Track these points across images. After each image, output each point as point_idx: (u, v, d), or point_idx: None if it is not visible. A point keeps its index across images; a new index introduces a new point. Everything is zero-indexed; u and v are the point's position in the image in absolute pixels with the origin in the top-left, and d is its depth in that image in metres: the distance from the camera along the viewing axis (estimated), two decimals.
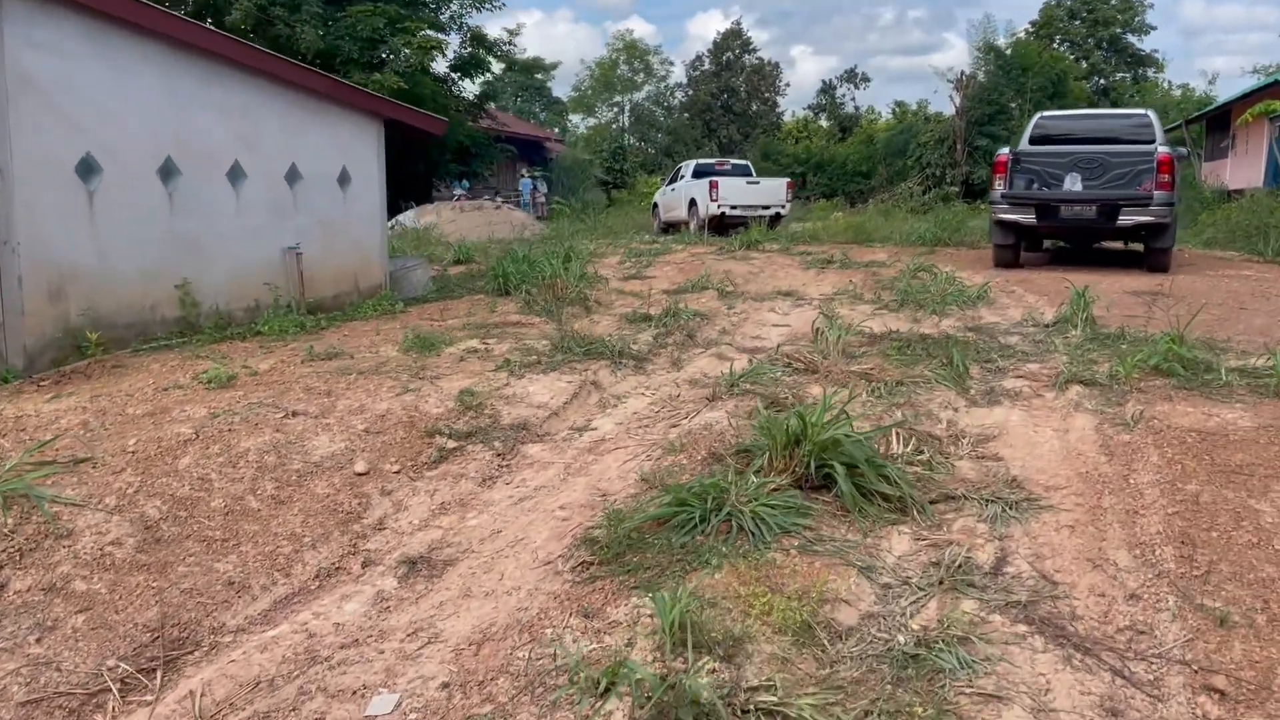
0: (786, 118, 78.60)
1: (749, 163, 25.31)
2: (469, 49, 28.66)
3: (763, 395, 5.05)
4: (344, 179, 9.41)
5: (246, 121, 8.21)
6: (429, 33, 26.74)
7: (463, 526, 3.88)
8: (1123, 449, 4.35)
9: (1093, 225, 11.50)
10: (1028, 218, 11.62)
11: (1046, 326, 7.62)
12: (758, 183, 22.47)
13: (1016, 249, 12.32)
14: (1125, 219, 11.10)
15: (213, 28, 7.54)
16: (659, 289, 10.82)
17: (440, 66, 28.81)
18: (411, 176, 26.57)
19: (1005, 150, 12.11)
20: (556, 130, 71.82)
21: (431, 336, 6.72)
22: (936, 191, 44.43)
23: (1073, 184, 12.33)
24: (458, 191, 26.61)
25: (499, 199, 27.56)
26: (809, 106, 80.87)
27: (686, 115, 76.63)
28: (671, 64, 79.42)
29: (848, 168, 55.82)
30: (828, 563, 3.30)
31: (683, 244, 18.56)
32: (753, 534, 3.45)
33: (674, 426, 4.91)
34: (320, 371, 5.74)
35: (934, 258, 13.87)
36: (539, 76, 71.06)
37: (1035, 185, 12.51)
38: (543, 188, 31.55)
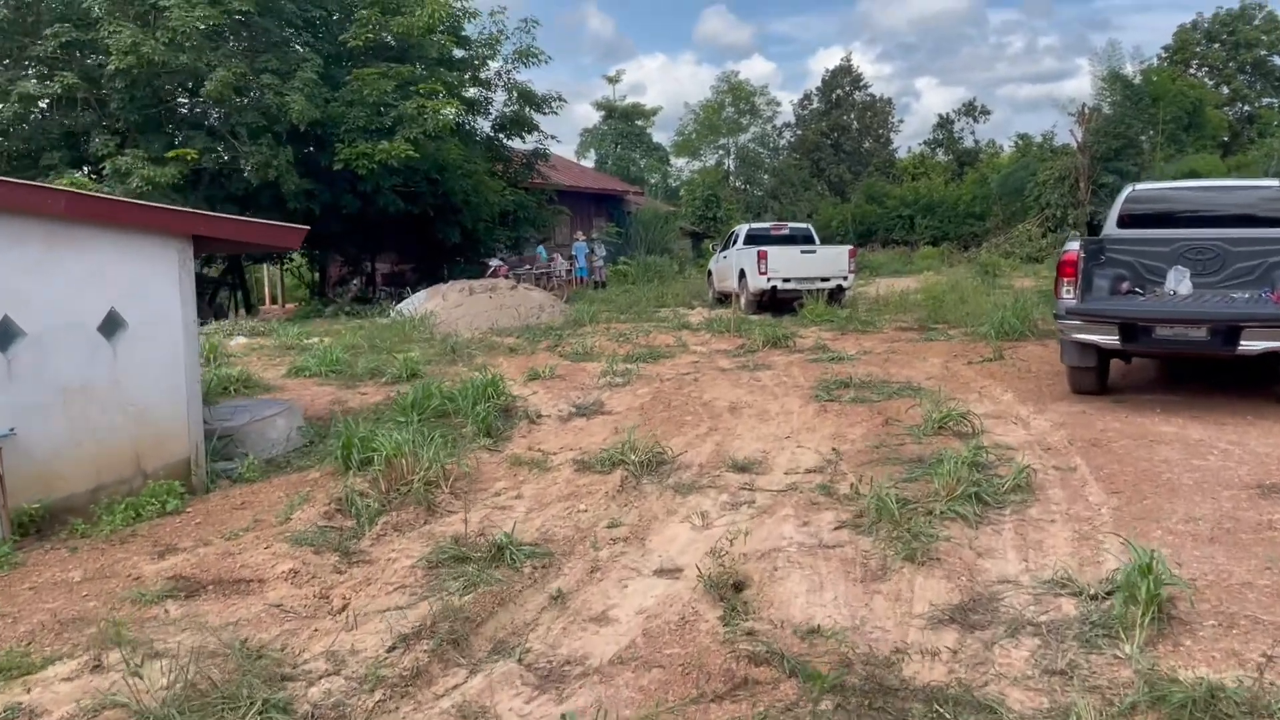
0: (902, 154, 74.81)
1: (810, 227, 22.12)
2: (513, 107, 26.41)
3: None
4: (113, 325, 6.86)
5: None
6: (470, 91, 24.72)
7: None
8: None
9: (1202, 352, 8.07)
10: (1109, 339, 8.25)
11: (1091, 600, 4.43)
12: (814, 251, 19.32)
13: (1099, 372, 8.93)
14: (1249, 344, 7.64)
15: None
16: (588, 445, 7.96)
17: (485, 126, 26.73)
18: (439, 248, 24.39)
19: (1074, 245, 8.76)
20: (655, 178, 69.74)
21: None
22: (1056, 235, 40.32)
23: (1178, 282, 8.97)
24: (493, 263, 24.24)
25: (522, 273, 25.05)
26: (925, 142, 77.14)
27: (795, 155, 73.66)
28: (779, 104, 76.09)
29: (960, 209, 51.73)
30: None
31: (708, 331, 15.67)
32: None
33: None
34: None
35: (995, 372, 10.55)
36: (639, 123, 69.23)
37: (1126, 284, 9.17)
38: (601, 251, 28.92)
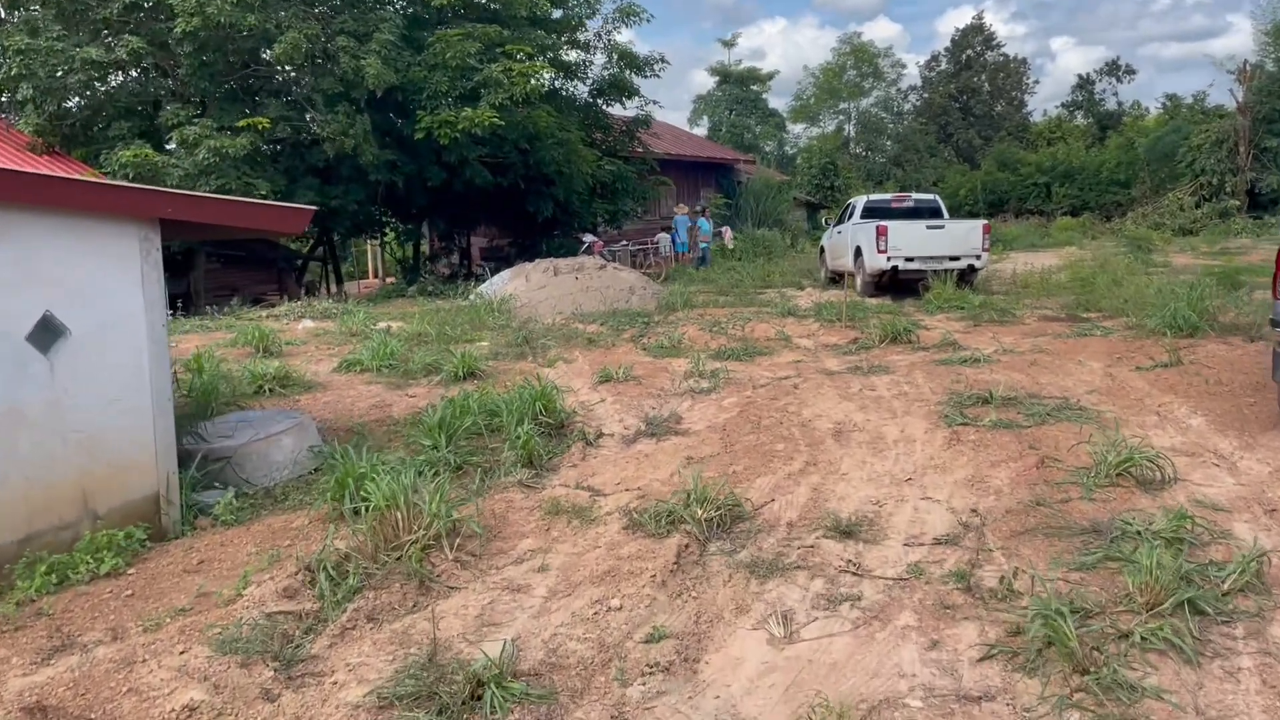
0: (1037, 117, 70.39)
1: (938, 198, 19.76)
2: (611, 70, 24.66)
3: None
4: (49, 333, 5.46)
5: None
6: (569, 55, 23.17)
7: None
8: None
9: None
10: None
11: None
12: (942, 227, 17.05)
13: None
14: None
15: None
16: (650, 483, 6.28)
17: (582, 91, 25.11)
18: (533, 222, 22.91)
19: None
20: (770, 146, 67.13)
21: None
22: (1212, 205, 36.74)
23: None
24: (587, 238, 22.65)
25: (617, 249, 23.42)
26: (1063, 104, 72.39)
27: (921, 120, 70.05)
28: (904, 66, 72.20)
29: (1102, 176, 47.78)
30: None
31: (815, 320, 13.76)
32: None
33: None
34: None
35: (1175, 383, 8.41)
36: (754, 88, 66.61)
37: None
38: (705, 226, 27.02)
